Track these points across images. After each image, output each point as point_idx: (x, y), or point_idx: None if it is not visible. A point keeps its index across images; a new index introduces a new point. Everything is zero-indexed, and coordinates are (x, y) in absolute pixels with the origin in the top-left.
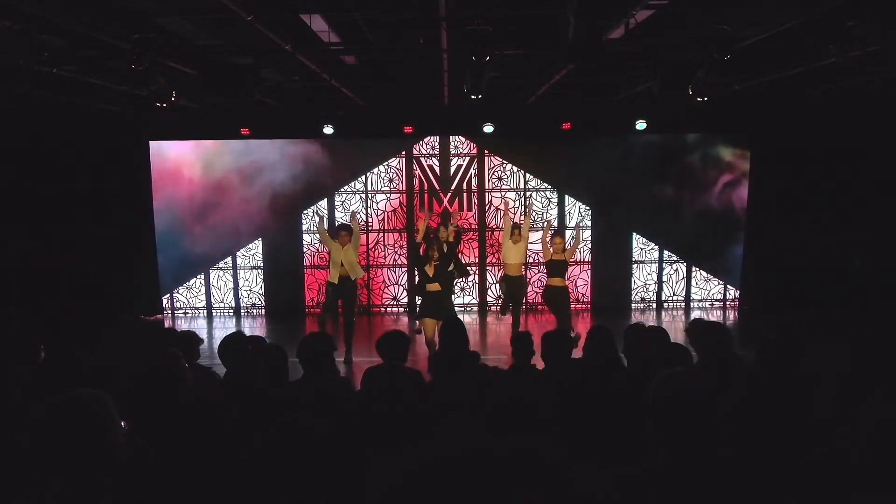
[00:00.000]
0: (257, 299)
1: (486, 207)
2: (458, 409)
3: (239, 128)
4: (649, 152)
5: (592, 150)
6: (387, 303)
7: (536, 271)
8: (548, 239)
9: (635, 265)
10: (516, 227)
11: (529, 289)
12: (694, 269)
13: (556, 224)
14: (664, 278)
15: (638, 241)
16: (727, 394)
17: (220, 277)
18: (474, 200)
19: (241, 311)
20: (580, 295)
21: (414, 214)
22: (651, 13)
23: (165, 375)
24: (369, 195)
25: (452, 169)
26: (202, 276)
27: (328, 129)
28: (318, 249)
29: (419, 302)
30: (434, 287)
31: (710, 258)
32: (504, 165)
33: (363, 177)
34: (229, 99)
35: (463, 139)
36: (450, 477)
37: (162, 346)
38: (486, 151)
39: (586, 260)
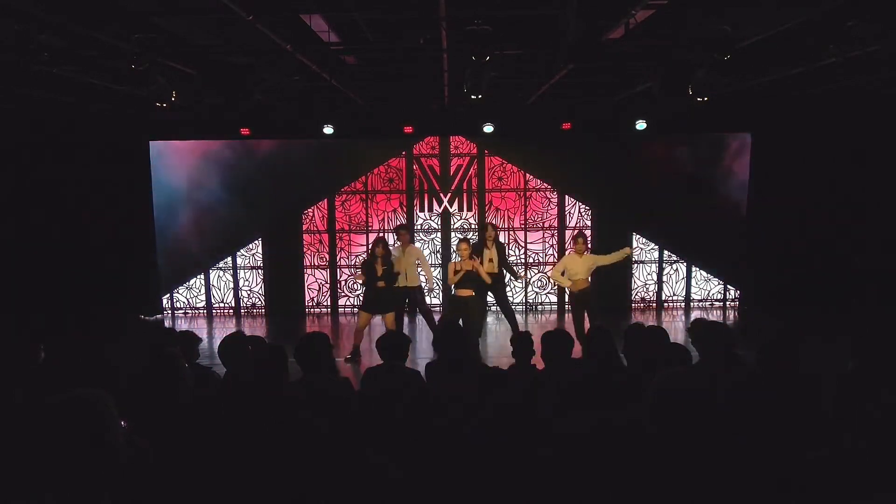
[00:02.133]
0: (257, 299)
1: (487, 207)
2: (458, 409)
3: (239, 128)
4: (649, 152)
5: (592, 149)
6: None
7: (537, 271)
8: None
9: (635, 265)
10: (581, 235)
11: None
12: (694, 269)
13: (556, 225)
14: (664, 278)
15: (638, 241)
16: (727, 393)
17: (220, 277)
18: (474, 200)
19: (241, 311)
20: None
21: (414, 214)
22: (651, 13)
23: (164, 375)
24: (369, 195)
25: (452, 169)
26: (202, 276)
27: (328, 129)
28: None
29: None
30: (381, 284)
31: (710, 258)
32: (504, 165)
33: (363, 177)
34: (229, 99)
35: (463, 139)
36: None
37: (161, 345)
38: (486, 151)
39: None
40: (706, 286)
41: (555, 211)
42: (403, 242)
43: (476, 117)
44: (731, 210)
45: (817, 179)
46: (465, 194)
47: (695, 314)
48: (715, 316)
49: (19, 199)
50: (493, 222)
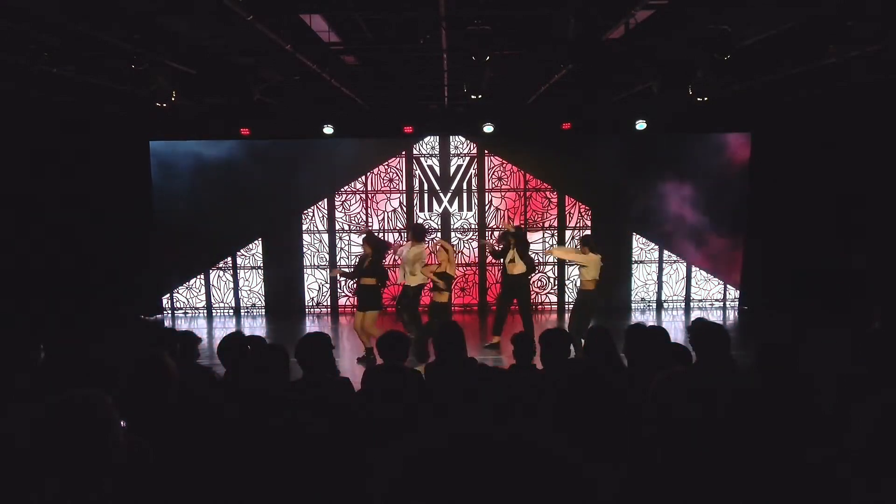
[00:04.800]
0: (257, 299)
1: (486, 207)
2: (457, 409)
3: (239, 128)
4: (649, 152)
5: (592, 149)
6: (387, 302)
7: (538, 271)
8: (437, 249)
9: (635, 265)
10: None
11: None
12: (694, 269)
13: (556, 225)
14: (664, 278)
15: (638, 241)
16: (727, 394)
17: (220, 277)
18: (474, 200)
19: (241, 311)
20: None
21: (414, 214)
22: (651, 13)
23: (150, 376)
24: (369, 195)
25: (452, 169)
26: (202, 276)
27: (328, 129)
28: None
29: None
30: (370, 281)
31: (711, 258)
32: (504, 165)
33: (363, 177)
34: (229, 99)
35: (463, 139)
36: (450, 460)
37: (145, 346)
38: (486, 151)
39: None
40: (706, 286)
41: (555, 211)
42: (411, 241)
43: (476, 117)
44: (732, 210)
45: (817, 179)
46: (465, 194)
47: (695, 314)
48: (715, 316)
49: (19, 198)
50: (513, 228)
